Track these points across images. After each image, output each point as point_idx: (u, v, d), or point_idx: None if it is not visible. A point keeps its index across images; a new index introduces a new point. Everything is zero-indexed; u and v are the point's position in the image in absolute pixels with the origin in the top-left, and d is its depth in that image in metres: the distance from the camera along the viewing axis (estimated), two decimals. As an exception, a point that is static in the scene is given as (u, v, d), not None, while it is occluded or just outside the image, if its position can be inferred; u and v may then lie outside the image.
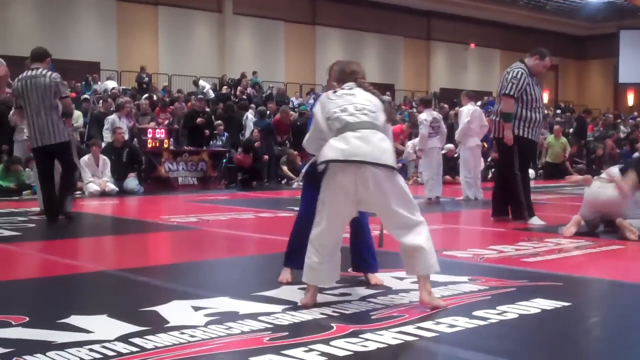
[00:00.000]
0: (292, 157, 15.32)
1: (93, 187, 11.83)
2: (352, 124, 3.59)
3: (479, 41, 34.57)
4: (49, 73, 7.69)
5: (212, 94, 21.35)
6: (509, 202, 7.70)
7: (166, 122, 16.04)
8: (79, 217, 8.25)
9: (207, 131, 15.17)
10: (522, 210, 7.48)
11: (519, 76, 7.30)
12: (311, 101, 22.51)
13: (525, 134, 7.35)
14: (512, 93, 7.27)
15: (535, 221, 7.43)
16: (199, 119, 15.03)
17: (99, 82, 21.23)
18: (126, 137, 13.72)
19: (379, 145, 3.56)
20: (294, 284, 4.15)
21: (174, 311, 3.53)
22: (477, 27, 34.05)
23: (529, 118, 7.33)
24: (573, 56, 39.49)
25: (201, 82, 22.62)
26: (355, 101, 3.70)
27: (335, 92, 3.77)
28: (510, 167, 7.50)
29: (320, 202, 3.67)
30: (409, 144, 15.88)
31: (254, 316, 3.41)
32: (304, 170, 4.24)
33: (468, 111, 10.86)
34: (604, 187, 6.58)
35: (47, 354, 2.80)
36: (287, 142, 16.49)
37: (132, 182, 12.71)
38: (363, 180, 3.52)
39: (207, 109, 16.68)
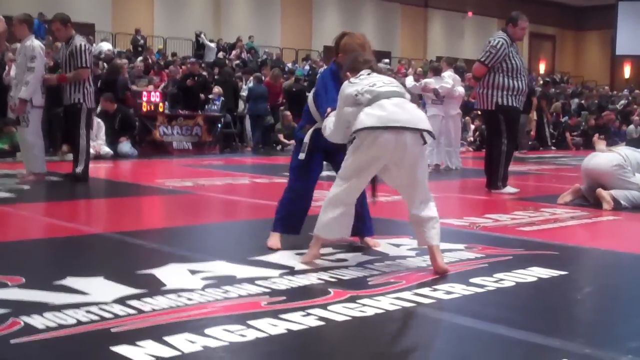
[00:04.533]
0: (286, 122, 15.29)
1: (87, 149, 11.76)
2: (385, 93, 3.61)
3: (477, 10, 34.34)
4: None
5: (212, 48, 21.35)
6: (506, 171, 7.71)
7: (162, 85, 15.94)
8: (74, 180, 8.21)
9: (202, 95, 15.08)
10: (497, 181, 7.50)
11: (498, 46, 7.35)
12: (307, 67, 22.43)
13: (509, 101, 7.40)
14: (486, 62, 7.36)
15: (510, 190, 7.48)
16: (188, 81, 14.95)
17: (94, 44, 21.04)
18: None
19: (415, 113, 3.63)
20: (289, 248, 4.15)
21: (170, 274, 3.52)
22: (475, -5, 33.84)
23: (511, 86, 7.39)
24: (570, 27, 39.29)
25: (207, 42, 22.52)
26: (381, 78, 3.73)
27: (357, 77, 3.76)
28: (497, 137, 7.52)
29: (351, 163, 3.66)
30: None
31: (251, 280, 3.41)
32: (306, 141, 4.16)
33: (449, 76, 10.86)
34: (595, 156, 6.61)
35: (44, 314, 2.80)
36: (281, 107, 16.38)
37: (125, 145, 12.66)
38: (401, 145, 3.54)
39: (204, 73, 16.58)
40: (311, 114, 4.20)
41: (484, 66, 7.38)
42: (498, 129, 7.48)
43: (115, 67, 14.49)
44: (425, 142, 3.65)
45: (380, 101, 3.57)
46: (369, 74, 3.77)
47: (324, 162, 4.33)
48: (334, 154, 4.23)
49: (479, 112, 7.86)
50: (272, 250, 4.17)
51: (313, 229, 3.82)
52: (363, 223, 4.26)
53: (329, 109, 3.91)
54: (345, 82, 3.77)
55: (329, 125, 3.86)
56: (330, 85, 4.05)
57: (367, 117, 3.54)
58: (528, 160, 13.65)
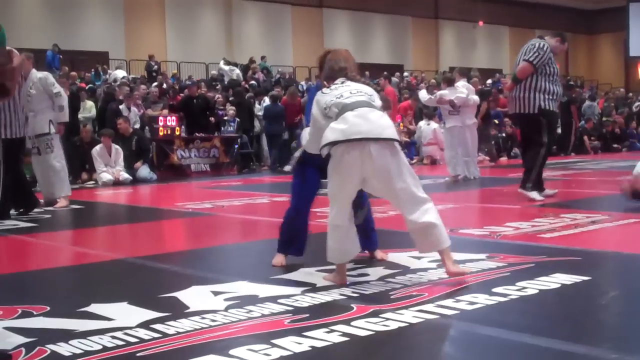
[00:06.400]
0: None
1: (106, 176, 11.88)
2: (350, 104, 3.66)
3: (488, 19, 34.30)
4: None
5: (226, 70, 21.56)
6: (540, 176, 7.69)
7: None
8: (93, 207, 8.28)
9: (212, 118, 15.11)
10: (526, 182, 7.48)
11: (545, 48, 7.40)
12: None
13: (549, 106, 7.45)
14: (534, 62, 7.33)
15: (535, 196, 7.44)
16: (169, 103, 15.17)
17: (109, 72, 21.26)
18: (137, 125, 13.73)
19: (378, 122, 3.65)
20: (309, 265, 4.17)
21: (193, 296, 3.54)
22: (485, 4, 33.78)
23: (552, 90, 7.44)
24: (583, 31, 39.16)
25: (222, 66, 22.69)
26: (350, 88, 3.77)
27: (329, 88, 3.83)
28: (537, 142, 7.48)
29: (330, 186, 3.74)
30: (421, 123, 15.87)
31: (273, 299, 3.42)
32: (296, 155, 4.31)
33: (463, 86, 10.86)
34: None
35: (70, 342, 2.82)
36: (299, 124, 16.38)
37: (143, 170, 12.74)
38: (368, 157, 3.58)
39: (218, 95, 16.66)
40: None
41: (531, 66, 7.34)
42: (539, 133, 7.46)
43: (108, 95, 14.67)
44: (401, 145, 3.69)
45: (344, 114, 3.61)
46: (342, 82, 3.82)
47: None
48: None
49: (519, 115, 7.68)
50: (275, 268, 4.25)
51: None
52: (366, 237, 4.30)
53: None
54: (318, 93, 3.84)
55: (305, 135, 3.95)
56: None
57: (331, 132, 3.61)
58: (546, 167, 13.54)
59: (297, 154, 4.31)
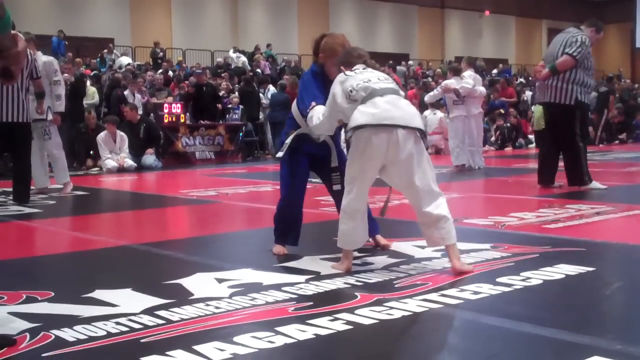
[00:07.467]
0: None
1: (111, 163, 11.90)
2: (379, 90, 3.63)
3: (494, 8, 34.19)
4: None
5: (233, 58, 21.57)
6: (556, 169, 7.71)
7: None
8: (98, 193, 8.29)
9: (219, 105, 15.11)
10: (583, 176, 7.51)
11: (587, 43, 7.41)
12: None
13: (585, 98, 7.49)
14: (577, 56, 7.31)
15: (596, 185, 7.47)
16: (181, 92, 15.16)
17: (115, 54, 21.23)
18: (140, 112, 13.78)
19: (408, 110, 3.66)
20: (313, 254, 4.17)
21: (198, 283, 3.55)
22: (491, -7, 33.72)
23: (588, 84, 7.48)
24: (590, 21, 38.98)
25: (231, 54, 22.72)
26: (376, 74, 3.76)
27: (352, 70, 3.79)
28: (571, 134, 7.49)
29: (351, 170, 3.71)
30: (427, 113, 15.85)
31: (277, 287, 3.42)
32: (287, 142, 4.20)
33: (469, 76, 10.83)
34: None
35: (74, 327, 2.82)
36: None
37: (149, 157, 12.76)
38: (394, 144, 3.56)
39: (224, 83, 16.65)
40: (296, 121, 4.23)
41: (574, 60, 7.33)
42: (572, 124, 7.45)
43: (113, 81, 14.68)
44: (423, 139, 3.67)
45: (374, 99, 3.59)
46: (364, 69, 3.79)
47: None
48: (320, 161, 4.29)
49: (553, 105, 7.62)
50: (279, 256, 4.25)
51: (332, 235, 3.84)
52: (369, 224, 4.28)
53: (313, 103, 3.94)
54: (340, 75, 3.78)
55: (317, 115, 3.88)
56: (311, 84, 4.09)
57: (361, 115, 3.57)
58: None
59: (287, 140, 4.20)
